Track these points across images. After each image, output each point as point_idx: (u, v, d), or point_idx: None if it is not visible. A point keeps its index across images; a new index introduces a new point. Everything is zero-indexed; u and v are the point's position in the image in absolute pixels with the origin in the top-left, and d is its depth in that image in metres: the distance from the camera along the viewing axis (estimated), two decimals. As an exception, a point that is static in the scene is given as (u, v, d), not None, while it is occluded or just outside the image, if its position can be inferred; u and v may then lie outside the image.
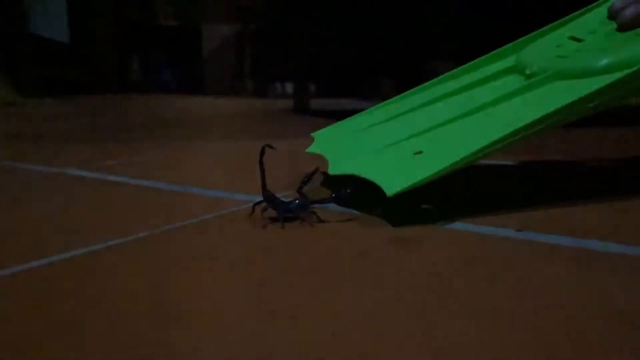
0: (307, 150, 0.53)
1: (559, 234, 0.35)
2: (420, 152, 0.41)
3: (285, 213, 0.38)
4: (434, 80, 0.57)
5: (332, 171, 0.44)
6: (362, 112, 0.59)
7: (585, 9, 0.54)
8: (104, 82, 3.92)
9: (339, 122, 0.60)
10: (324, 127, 0.61)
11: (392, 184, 0.36)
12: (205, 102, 2.77)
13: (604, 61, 0.42)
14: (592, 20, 0.51)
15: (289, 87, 3.70)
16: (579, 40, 0.48)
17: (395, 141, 0.45)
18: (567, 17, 0.54)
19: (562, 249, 0.32)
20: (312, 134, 0.59)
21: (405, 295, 0.25)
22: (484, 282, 0.27)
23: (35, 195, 0.48)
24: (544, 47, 0.51)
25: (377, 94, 3.34)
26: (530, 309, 0.23)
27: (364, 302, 0.24)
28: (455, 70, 0.56)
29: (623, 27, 0.46)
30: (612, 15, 0.47)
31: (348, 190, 0.39)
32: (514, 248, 0.32)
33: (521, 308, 0.24)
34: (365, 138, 0.50)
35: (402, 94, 0.58)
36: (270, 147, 0.40)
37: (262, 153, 0.39)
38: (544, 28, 0.54)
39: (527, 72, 0.47)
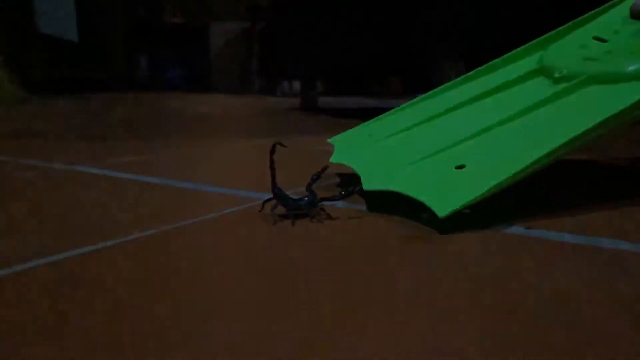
0: (331, 160, 0.50)
1: (578, 233, 0.35)
2: (462, 166, 0.39)
3: (294, 210, 0.38)
4: (454, 81, 0.55)
5: (367, 187, 0.41)
6: (381, 116, 0.57)
7: (603, 7, 0.52)
8: (112, 80, 3.95)
9: (357, 128, 0.58)
10: (335, 128, 0.60)
11: (443, 205, 0.34)
12: (213, 100, 2.78)
13: (637, 65, 0.40)
14: (613, 19, 0.49)
15: (296, 85, 3.71)
16: (603, 40, 0.47)
17: (431, 153, 0.42)
18: (585, 16, 0.53)
19: (571, 246, 0.32)
20: (330, 140, 0.57)
21: (421, 290, 0.25)
22: (501, 279, 0.27)
23: (45, 193, 0.48)
24: (568, 48, 0.49)
25: (385, 92, 3.33)
26: (545, 307, 0.24)
27: (378, 297, 0.24)
28: (472, 72, 0.54)
29: None
30: (635, 15, 0.46)
31: (357, 188, 0.39)
32: (537, 247, 0.32)
33: (537, 306, 0.24)
34: (394, 148, 0.48)
35: (421, 97, 0.56)
36: (281, 144, 0.40)
37: (273, 151, 0.39)
38: (563, 27, 0.53)
39: (556, 75, 0.45)
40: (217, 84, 4.72)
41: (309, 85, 2.18)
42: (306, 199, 0.38)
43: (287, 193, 0.39)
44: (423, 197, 0.36)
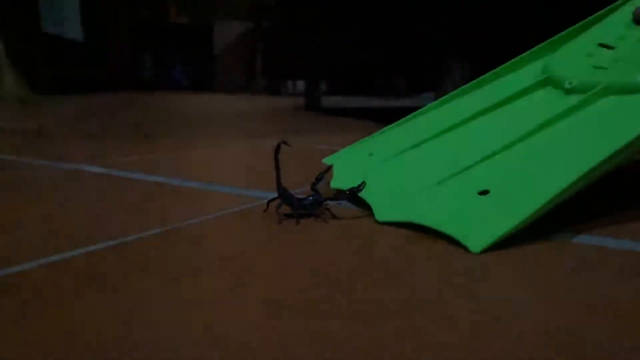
0: (332, 185, 0.46)
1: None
2: (487, 192, 0.36)
3: (299, 209, 0.38)
4: (455, 92, 0.53)
5: (381, 218, 0.37)
6: (380, 132, 0.53)
7: (602, 12, 0.51)
8: (116, 79, 3.97)
9: (355, 145, 0.54)
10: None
11: (476, 239, 0.31)
12: (217, 100, 2.78)
13: None
14: (615, 24, 0.48)
15: (301, 85, 3.72)
16: (609, 47, 0.46)
17: (447, 176, 0.39)
18: (585, 22, 0.51)
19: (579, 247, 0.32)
20: (324, 160, 0.53)
21: (423, 289, 0.25)
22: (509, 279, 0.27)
23: (51, 191, 0.48)
24: (573, 56, 0.47)
25: (389, 92, 3.33)
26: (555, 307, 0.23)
27: (382, 295, 0.24)
28: (472, 82, 0.52)
29: None
30: (638, 20, 0.45)
31: (361, 188, 0.39)
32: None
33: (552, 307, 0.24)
34: (402, 170, 0.44)
35: (421, 110, 0.53)
36: (286, 144, 0.40)
37: (277, 150, 0.39)
38: (563, 33, 0.51)
39: (567, 86, 0.43)
40: (221, 84, 4.73)
41: (313, 85, 2.18)
42: (311, 198, 0.38)
43: (292, 192, 0.39)
44: (451, 231, 0.33)
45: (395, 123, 0.54)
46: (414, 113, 0.53)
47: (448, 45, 1.20)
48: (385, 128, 0.54)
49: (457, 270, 0.28)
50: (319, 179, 0.41)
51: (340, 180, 0.46)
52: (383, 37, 1.38)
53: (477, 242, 0.31)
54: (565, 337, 0.20)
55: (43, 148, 0.79)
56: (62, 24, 3.28)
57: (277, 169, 0.39)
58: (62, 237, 0.34)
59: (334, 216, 0.39)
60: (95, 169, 0.60)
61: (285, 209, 0.39)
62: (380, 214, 0.38)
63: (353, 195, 0.39)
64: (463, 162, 0.40)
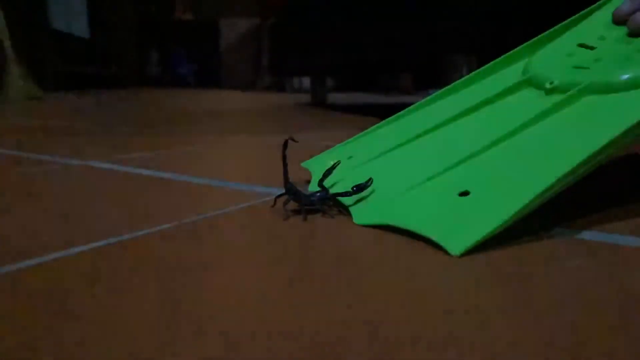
0: (309, 189, 0.45)
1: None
2: (467, 193, 0.35)
3: (307, 205, 0.38)
4: (436, 95, 0.52)
5: (359, 221, 0.37)
6: (359, 135, 0.53)
7: (582, 13, 0.51)
8: (123, 76, 3.98)
9: (333, 149, 0.53)
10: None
11: (455, 241, 0.31)
12: (223, 96, 2.79)
13: (630, 74, 0.39)
14: (596, 25, 0.48)
15: (306, 82, 3.71)
16: (590, 47, 0.45)
17: (427, 177, 0.39)
18: (564, 23, 0.51)
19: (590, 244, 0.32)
20: (304, 164, 0.52)
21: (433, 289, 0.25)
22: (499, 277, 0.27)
23: (59, 188, 0.49)
24: (554, 57, 0.47)
25: (395, 88, 3.31)
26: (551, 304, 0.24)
27: (389, 294, 0.25)
28: (452, 85, 0.52)
29: (635, 33, 0.43)
30: (619, 20, 0.45)
31: (368, 184, 0.39)
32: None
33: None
34: (382, 172, 0.42)
35: (399, 113, 0.52)
36: (293, 140, 0.40)
37: (285, 146, 0.39)
38: (542, 35, 0.51)
39: (548, 86, 0.43)
40: (227, 81, 4.73)
41: (319, 81, 2.18)
42: (318, 194, 0.39)
43: (300, 188, 0.39)
44: (430, 233, 0.32)
45: (375, 126, 0.53)
46: (395, 115, 0.53)
47: (455, 42, 1.20)
48: (365, 131, 0.53)
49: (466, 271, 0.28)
50: (325, 175, 0.41)
51: (317, 184, 0.44)
52: (389, 33, 1.38)
53: (456, 244, 0.30)
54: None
55: (51, 144, 0.80)
56: (69, 21, 3.29)
57: (285, 165, 0.39)
58: (66, 234, 0.34)
59: (340, 212, 0.39)
60: (104, 165, 0.60)
61: (293, 204, 0.39)
62: (359, 217, 0.37)
63: (359, 192, 0.39)
64: (443, 164, 0.39)
